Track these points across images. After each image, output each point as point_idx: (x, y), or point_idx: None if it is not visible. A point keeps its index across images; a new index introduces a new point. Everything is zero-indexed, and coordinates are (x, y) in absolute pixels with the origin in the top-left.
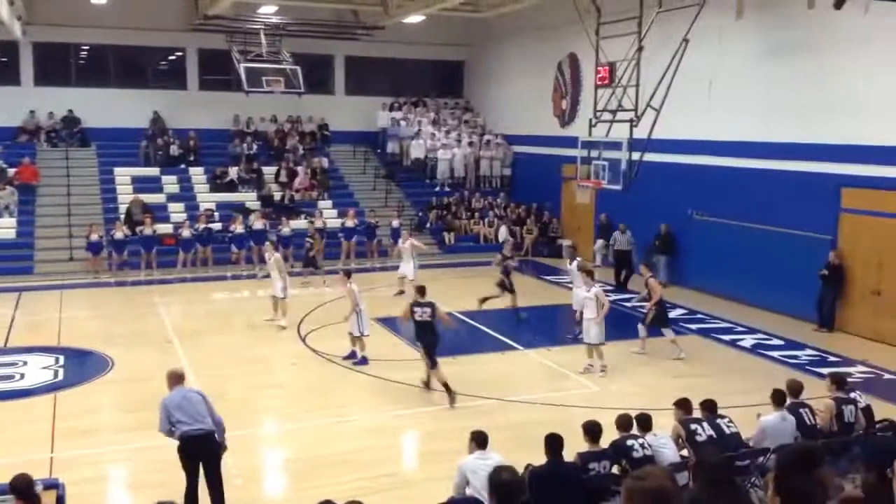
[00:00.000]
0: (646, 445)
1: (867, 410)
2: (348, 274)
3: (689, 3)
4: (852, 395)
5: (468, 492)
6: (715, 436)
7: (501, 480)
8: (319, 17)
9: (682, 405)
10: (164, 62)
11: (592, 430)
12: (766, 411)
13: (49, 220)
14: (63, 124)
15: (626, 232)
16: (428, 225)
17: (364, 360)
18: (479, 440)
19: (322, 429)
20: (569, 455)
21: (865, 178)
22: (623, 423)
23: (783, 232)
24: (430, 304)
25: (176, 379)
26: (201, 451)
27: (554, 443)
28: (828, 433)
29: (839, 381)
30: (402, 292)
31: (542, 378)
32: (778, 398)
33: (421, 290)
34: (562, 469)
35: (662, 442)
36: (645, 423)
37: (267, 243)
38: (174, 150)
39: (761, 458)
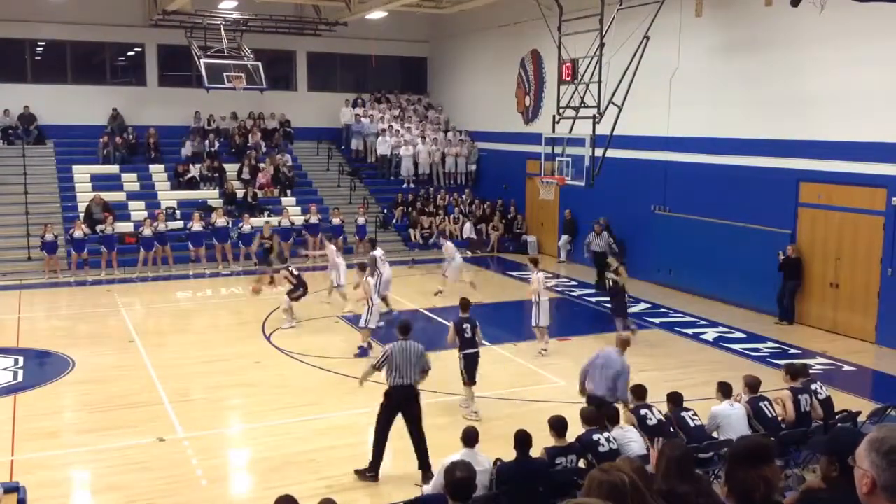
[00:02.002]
0: (611, 439)
1: (827, 402)
2: (363, 267)
3: (649, 0)
4: (813, 386)
5: None
6: (663, 419)
7: (455, 478)
8: (281, 13)
9: (635, 391)
10: (122, 58)
11: (558, 425)
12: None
13: (6, 219)
14: (19, 121)
15: (603, 233)
16: (393, 222)
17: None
18: (467, 438)
19: (288, 427)
20: (536, 450)
21: (823, 173)
22: (588, 416)
23: (743, 227)
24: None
25: (620, 343)
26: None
27: (522, 440)
28: (790, 424)
29: (793, 372)
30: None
31: (509, 373)
32: (724, 389)
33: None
34: (529, 465)
35: (630, 436)
36: (612, 417)
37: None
38: (131, 139)
39: (724, 450)
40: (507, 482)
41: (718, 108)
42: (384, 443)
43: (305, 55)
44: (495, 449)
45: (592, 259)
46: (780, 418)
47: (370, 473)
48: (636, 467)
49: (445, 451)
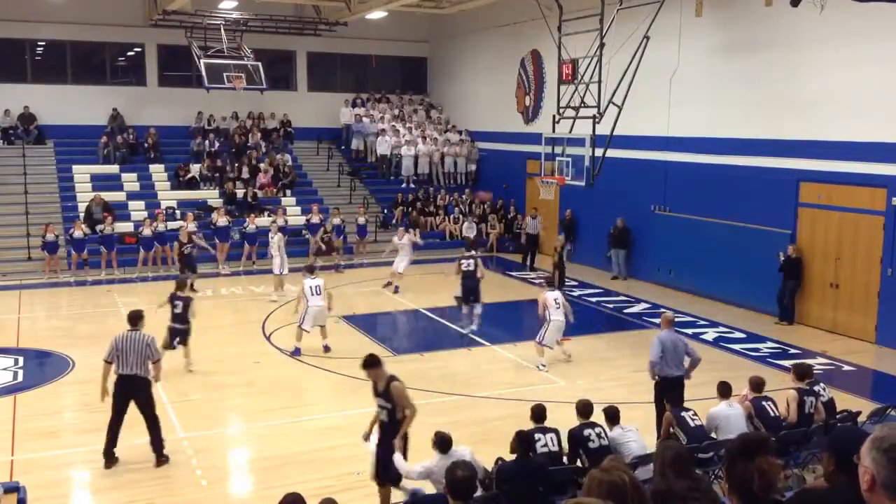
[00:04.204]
0: (602, 435)
1: (830, 404)
2: (311, 270)
3: (649, 0)
4: (816, 388)
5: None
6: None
7: (457, 478)
8: (281, 13)
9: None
10: (122, 58)
11: (538, 412)
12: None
13: (6, 219)
14: (19, 121)
15: (536, 217)
16: (393, 222)
17: (297, 351)
18: (441, 444)
19: (287, 428)
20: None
21: (823, 173)
22: (583, 409)
23: (744, 226)
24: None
25: (669, 322)
26: (674, 389)
27: (524, 440)
28: (791, 425)
29: (800, 373)
30: (389, 284)
31: (508, 373)
32: (723, 389)
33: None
34: (530, 465)
35: (630, 436)
36: (613, 416)
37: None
38: (131, 139)
39: (724, 450)
40: (508, 482)
41: (718, 108)
42: (116, 429)
43: (305, 55)
44: (495, 449)
45: (525, 240)
46: (781, 417)
47: (105, 459)
48: (626, 469)
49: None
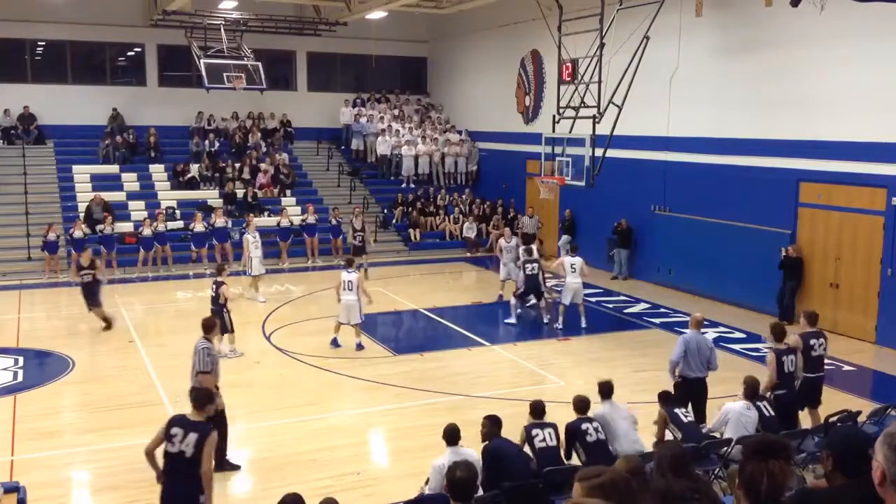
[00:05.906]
0: (599, 429)
1: (819, 360)
2: (349, 263)
3: (649, 0)
4: (812, 341)
5: None
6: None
7: (455, 478)
8: (281, 13)
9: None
10: (122, 58)
11: (537, 408)
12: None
13: (6, 219)
14: (19, 121)
15: (534, 216)
16: (393, 222)
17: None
18: (449, 436)
19: (286, 428)
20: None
21: (823, 173)
22: (580, 404)
23: (743, 227)
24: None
25: (697, 324)
26: (694, 392)
27: (495, 421)
28: (772, 386)
29: (778, 333)
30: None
31: (509, 373)
32: (749, 392)
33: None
34: (509, 443)
35: (623, 414)
36: (607, 391)
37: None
38: (131, 139)
39: (724, 449)
40: (501, 459)
41: (718, 108)
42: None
43: (305, 55)
44: None
45: (522, 239)
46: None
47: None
48: (633, 467)
49: (439, 450)
